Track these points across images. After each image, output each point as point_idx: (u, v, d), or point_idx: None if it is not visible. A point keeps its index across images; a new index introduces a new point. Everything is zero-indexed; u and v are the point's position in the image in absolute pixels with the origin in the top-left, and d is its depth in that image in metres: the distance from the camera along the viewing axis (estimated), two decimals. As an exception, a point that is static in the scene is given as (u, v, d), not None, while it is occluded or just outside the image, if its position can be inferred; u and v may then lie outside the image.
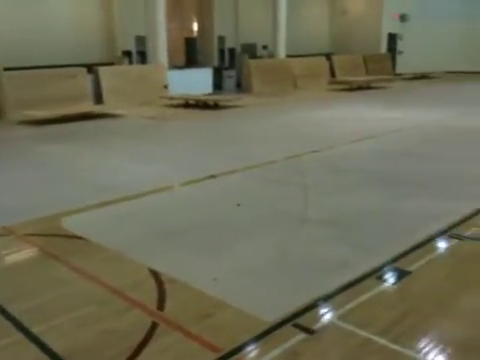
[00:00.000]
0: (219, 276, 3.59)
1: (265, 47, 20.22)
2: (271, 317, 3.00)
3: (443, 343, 2.77)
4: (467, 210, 4.89)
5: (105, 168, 7.07)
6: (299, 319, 3.01)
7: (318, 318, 3.05)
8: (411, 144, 8.46)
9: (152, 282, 3.53)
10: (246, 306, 3.15)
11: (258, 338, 2.83)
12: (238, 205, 5.21)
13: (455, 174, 6.42)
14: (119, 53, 16.19)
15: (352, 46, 23.45)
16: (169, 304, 3.24)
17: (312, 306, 3.17)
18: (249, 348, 2.76)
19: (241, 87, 18.03)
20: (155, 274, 3.64)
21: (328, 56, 21.11)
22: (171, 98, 14.45)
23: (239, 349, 2.73)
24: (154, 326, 2.97)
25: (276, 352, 2.70)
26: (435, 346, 2.74)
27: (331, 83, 19.23)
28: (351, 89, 18.03)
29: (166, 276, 3.59)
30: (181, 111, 13.30)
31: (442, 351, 2.70)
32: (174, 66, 16.31)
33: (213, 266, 3.82)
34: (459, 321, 3.01)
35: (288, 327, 2.94)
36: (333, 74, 20.38)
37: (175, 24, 18.13)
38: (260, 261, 3.87)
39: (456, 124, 10.35)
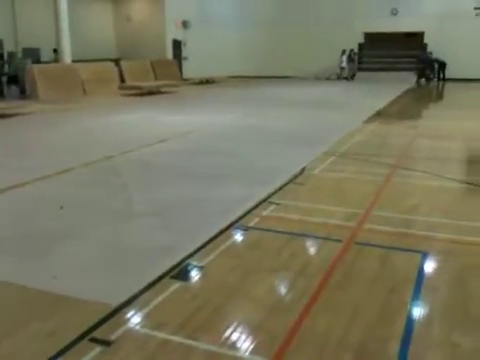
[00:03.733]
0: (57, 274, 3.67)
1: (56, 50, 19.13)
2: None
3: (237, 330, 2.96)
4: (263, 194, 5.55)
5: None
6: (96, 332, 2.92)
7: (115, 328, 2.99)
8: (205, 143, 8.96)
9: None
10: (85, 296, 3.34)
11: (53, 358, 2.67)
12: (61, 208, 5.21)
13: (248, 166, 7.04)
14: None
15: (139, 52, 23.65)
16: None
17: (109, 316, 3.10)
18: (40, 374, 2.59)
19: (25, 94, 16.81)
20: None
21: (117, 62, 20.91)
22: None
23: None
24: None
25: (71, 372, 2.59)
26: (229, 334, 2.92)
27: (121, 88, 19.09)
28: (141, 94, 18.17)
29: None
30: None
31: (238, 337, 2.89)
32: None
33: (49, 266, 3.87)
34: (249, 306, 3.25)
35: (85, 342, 2.83)
36: (123, 79, 20.25)
37: None
38: (93, 254, 4.07)
39: (242, 123, 11.17)
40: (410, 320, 3.09)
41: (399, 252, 4.13)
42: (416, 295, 3.40)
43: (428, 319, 3.13)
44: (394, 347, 2.81)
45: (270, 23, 27.32)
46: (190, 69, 25.05)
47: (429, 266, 3.91)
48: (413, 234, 4.54)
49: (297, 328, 3.00)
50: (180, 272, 3.73)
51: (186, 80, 23.70)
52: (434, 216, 4.99)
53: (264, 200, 5.41)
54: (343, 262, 3.95)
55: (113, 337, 2.89)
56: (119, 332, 2.94)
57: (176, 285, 3.53)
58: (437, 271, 3.88)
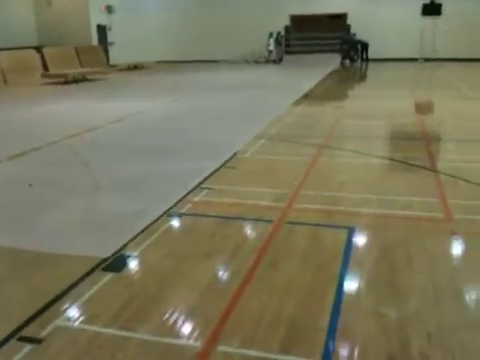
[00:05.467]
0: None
1: None
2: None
3: (172, 317, 2.96)
4: (214, 164, 6.14)
5: None
6: (24, 331, 2.83)
7: (46, 324, 2.91)
8: (150, 125, 9.24)
9: None
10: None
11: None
12: (30, 185, 5.50)
13: (196, 143, 7.57)
14: None
15: (63, 38, 22.72)
16: None
17: (38, 313, 3.01)
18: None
19: None
20: None
21: (39, 49, 20.01)
22: None
23: None
24: None
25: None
26: (164, 322, 2.91)
27: (45, 77, 18.31)
28: (67, 82, 17.52)
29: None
30: None
31: (173, 323, 2.89)
32: None
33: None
34: (184, 292, 3.26)
35: (13, 342, 2.74)
36: (46, 68, 19.43)
37: None
38: (72, 221, 4.51)
39: (172, 108, 11.06)
40: (339, 294, 3.22)
41: (327, 229, 4.27)
42: (344, 269, 3.53)
43: (356, 292, 3.27)
44: (324, 320, 2.91)
45: (197, 6, 27.05)
46: (117, 55, 24.39)
47: (356, 241, 4.07)
48: (340, 211, 4.70)
49: (231, 309, 3.05)
50: (112, 263, 3.67)
51: (113, 66, 23.08)
52: (360, 192, 5.19)
53: (196, 186, 5.41)
54: (275, 242, 4.03)
55: (43, 334, 2.81)
56: (50, 328, 2.87)
57: (108, 276, 3.47)
58: (363, 245, 4.05)
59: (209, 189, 5.34)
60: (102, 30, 24.62)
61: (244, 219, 4.55)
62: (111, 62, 23.94)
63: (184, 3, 27.18)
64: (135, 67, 23.63)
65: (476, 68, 20.90)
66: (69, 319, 2.97)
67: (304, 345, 2.70)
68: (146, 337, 2.78)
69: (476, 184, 5.31)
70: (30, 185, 5.51)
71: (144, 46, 25.20)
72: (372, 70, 22.14)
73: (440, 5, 24.06)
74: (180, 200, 4.98)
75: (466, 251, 3.91)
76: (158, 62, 25.07)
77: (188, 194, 5.17)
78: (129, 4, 25.50)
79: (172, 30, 27.42)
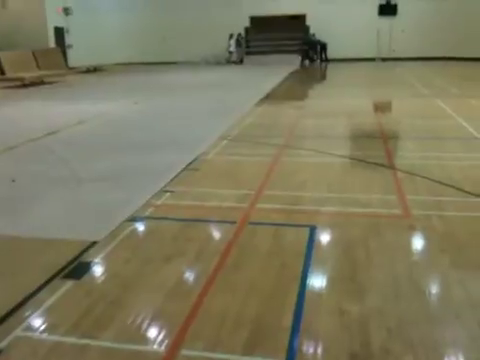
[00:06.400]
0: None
1: None
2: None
3: (134, 322, 2.93)
4: (176, 167, 6.19)
5: None
6: (-19, 343, 2.75)
7: (5, 335, 2.83)
8: (110, 129, 9.14)
9: None
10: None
11: None
12: (13, 181, 5.73)
13: (157, 144, 7.62)
14: None
15: (19, 41, 22.16)
16: None
17: (-4, 325, 2.93)
18: None
19: None
20: None
21: (-6, 52, 19.45)
22: None
23: None
24: None
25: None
26: (126, 328, 2.88)
27: (1, 80, 17.85)
28: (24, 85, 17.12)
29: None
30: None
31: (135, 329, 2.86)
32: None
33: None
34: (146, 297, 3.23)
35: (-31, 356, 2.66)
36: (2, 71, 18.91)
37: None
38: (60, 210, 4.83)
39: (134, 111, 10.94)
40: (302, 292, 3.25)
41: (289, 228, 4.30)
42: (306, 268, 3.57)
43: (318, 290, 3.31)
44: (288, 319, 2.94)
45: (156, 8, 26.87)
46: (76, 57, 23.99)
47: (317, 239, 4.11)
48: (302, 210, 4.75)
49: (195, 312, 3.04)
50: (73, 270, 3.60)
51: (72, 69, 22.67)
52: (321, 191, 5.26)
53: (160, 189, 5.37)
54: (238, 243, 4.04)
55: (2, 345, 2.73)
56: (9, 339, 2.79)
57: (69, 284, 3.40)
58: (325, 243, 4.11)
59: (171, 192, 5.31)
60: (60, 32, 24.15)
61: (207, 221, 4.54)
62: (70, 65, 23.51)
63: (143, 5, 26.95)
64: (94, 69, 23.30)
65: (430, 66, 21.48)
66: (29, 329, 2.90)
67: (268, 345, 2.71)
68: (108, 344, 2.73)
69: (432, 180, 5.46)
70: (13, 181, 5.73)
71: (103, 48, 24.87)
72: (331, 70, 22.47)
73: (396, 5, 24.64)
74: (144, 205, 4.94)
75: (424, 246, 4.01)
76: (118, 64, 24.78)
77: (151, 198, 5.12)
78: (87, 6, 25.11)
79: (132, 32, 27.15)
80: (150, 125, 9.32)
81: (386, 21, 24.62)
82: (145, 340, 2.79)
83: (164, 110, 11.35)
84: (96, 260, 3.76)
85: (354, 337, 2.77)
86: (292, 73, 20.35)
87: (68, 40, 24.49)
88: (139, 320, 2.96)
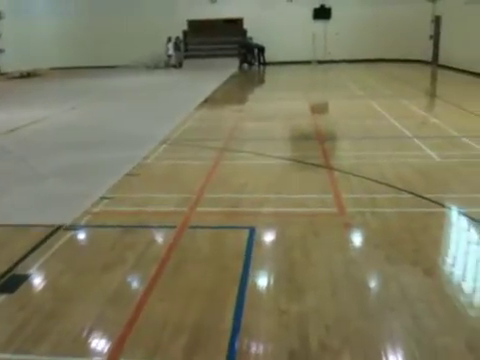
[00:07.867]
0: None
1: None
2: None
3: (71, 334, 2.85)
4: (117, 172, 6.18)
5: None
6: None
7: None
8: (44, 137, 8.68)
9: None
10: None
11: None
12: None
13: (98, 148, 7.56)
14: None
15: None
16: None
17: None
18: None
19: None
20: None
21: None
22: None
23: None
24: None
25: None
26: (62, 341, 2.80)
27: None
28: None
29: None
30: None
31: (72, 341, 2.78)
32: None
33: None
34: (83, 308, 3.15)
35: None
36: None
37: None
38: (25, 203, 5.16)
39: (71, 117, 10.64)
40: (241, 294, 3.27)
41: (229, 230, 4.33)
42: (246, 269, 3.60)
43: (258, 290, 3.35)
44: (228, 321, 2.95)
45: (91, 11, 26.26)
46: (8, 62, 23.05)
47: (256, 240, 4.16)
48: (241, 212, 4.79)
49: (135, 320, 3.00)
50: (5, 284, 3.46)
51: (4, 74, 21.79)
52: (260, 193, 5.32)
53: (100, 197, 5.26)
54: (178, 247, 4.02)
55: None
56: None
57: (1, 299, 3.27)
58: (264, 244, 4.15)
59: (109, 199, 5.21)
60: (-11, 36, 23.14)
61: (146, 227, 4.48)
62: (2, 70, 22.58)
63: (78, 8, 26.27)
64: (28, 74, 22.47)
65: (363, 68, 22.19)
66: (-43, 348, 2.77)
67: (209, 348, 2.72)
68: (44, 358, 2.65)
69: (366, 178, 5.64)
70: None
71: (38, 52, 24.06)
72: (269, 73, 22.76)
73: (330, 9, 25.29)
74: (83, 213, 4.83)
75: (359, 242, 4.14)
76: (53, 68, 24.04)
77: (93, 206, 5.01)
78: (19, 9, 24.21)
79: (67, 35, 26.41)
80: (87, 131, 9.10)
81: (321, 25, 25.20)
82: (83, 352, 2.72)
83: (101, 115, 11.11)
84: (30, 272, 3.63)
85: (293, 335, 2.82)
86: (231, 76, 20.46)
87: (0, 44, 23.50)
88: (77, 332, 2.89)
